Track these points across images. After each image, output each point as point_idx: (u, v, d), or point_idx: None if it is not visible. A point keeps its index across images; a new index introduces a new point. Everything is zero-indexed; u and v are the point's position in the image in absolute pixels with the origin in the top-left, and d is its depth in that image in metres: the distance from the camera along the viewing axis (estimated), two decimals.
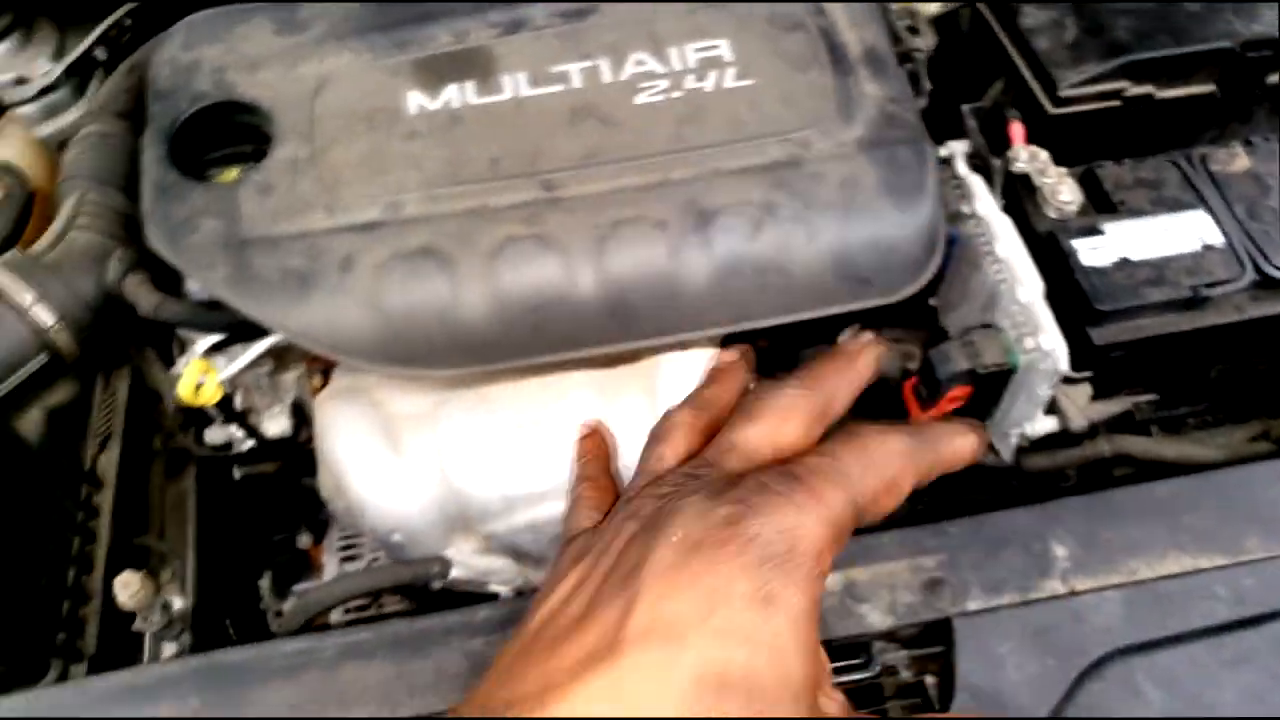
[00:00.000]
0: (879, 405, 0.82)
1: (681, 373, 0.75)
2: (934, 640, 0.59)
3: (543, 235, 0.68)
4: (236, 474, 0.84)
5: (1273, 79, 0.79)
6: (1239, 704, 0.55)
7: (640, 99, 0.72)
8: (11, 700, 0.56)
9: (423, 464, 0.73)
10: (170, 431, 0.80)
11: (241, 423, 0.75)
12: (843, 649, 0.58)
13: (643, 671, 0.27)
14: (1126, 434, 0.75)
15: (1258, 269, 0.71)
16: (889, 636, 0.59)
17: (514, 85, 0.73)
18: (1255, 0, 0.78)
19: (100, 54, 0.82)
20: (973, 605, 0.59)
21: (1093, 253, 0.72)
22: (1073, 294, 0.71)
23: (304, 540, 0.83)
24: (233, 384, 0.76)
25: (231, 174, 0.73)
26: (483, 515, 0.74)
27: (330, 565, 0.79)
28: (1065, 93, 0.75)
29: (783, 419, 0.38)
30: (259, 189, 0.71)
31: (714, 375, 0.42)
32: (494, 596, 0.77)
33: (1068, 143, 0.77)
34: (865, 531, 0.66)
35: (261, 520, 0.85)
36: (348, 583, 0.66)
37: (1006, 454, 0.75)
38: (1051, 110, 0.76)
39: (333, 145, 0.72)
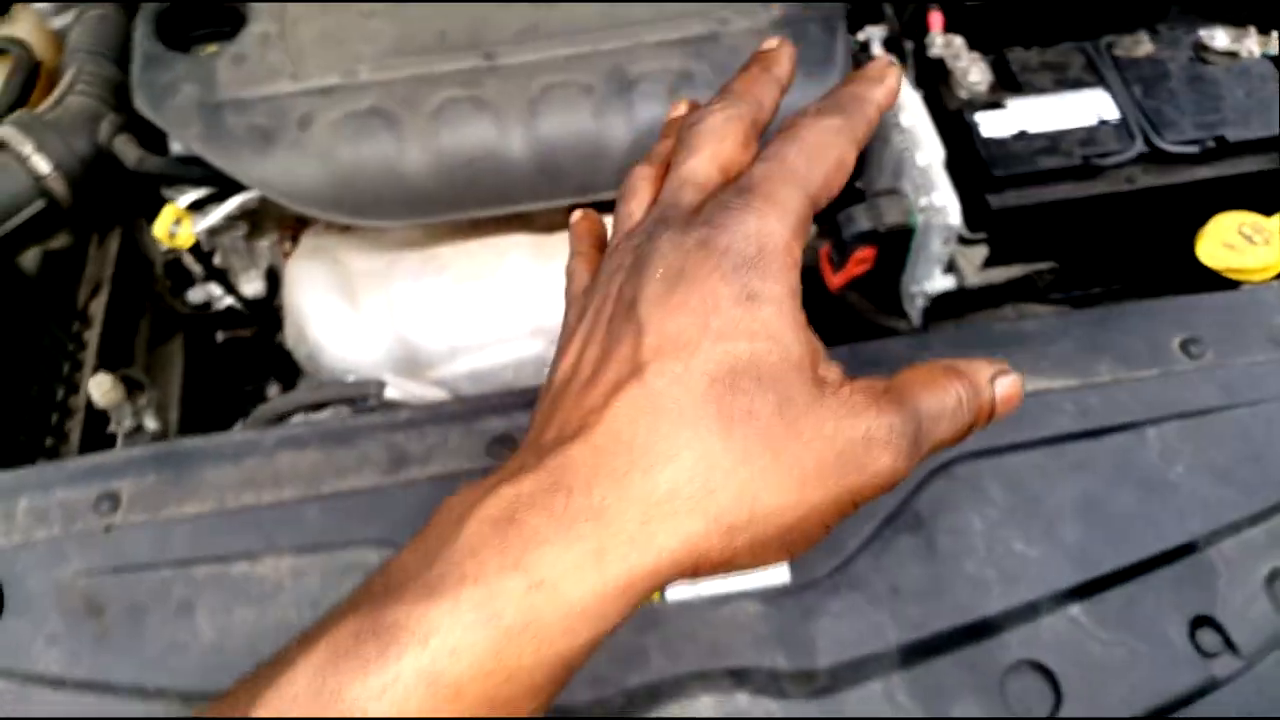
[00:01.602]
0: (806, 287, 0.88)
1: None
2: None
3: (479, 98, 0.76)
4: (219, 337, 0.93)
5: None
6: (1074, 504, 0.59)
7: None
8: None
9: (376, 315, 0.81)
10: (159, 294, 0.89)
11: (219, 279, 0.84)
12: None
13: (665, 380, 0.32)
14: (1030, 302, 0.80)
15: (1148, 142, 0.75)
16: None
17: None
18: None
19: None
20: None
21: (993, 125, 0.77)
22: (973, 162, 0.76)
23: (273, 390, 0.91)
24: (211, 243, 0.85)
25: (212, 49, 0.82)
26: (428, 361, 0.81)
27: None
28: None
29: (719, 141, 0.39)
30: (234, 59, 0.79)
31: (664, 130, 0.43)
32: None
33: (986, 32, 0.81)
34: None
35: (237, 376, 0.93)
36: (300, 395, 0.74)
37: (915, 317, 0.81)
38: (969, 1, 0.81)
39: (300, 23, 0.80)
